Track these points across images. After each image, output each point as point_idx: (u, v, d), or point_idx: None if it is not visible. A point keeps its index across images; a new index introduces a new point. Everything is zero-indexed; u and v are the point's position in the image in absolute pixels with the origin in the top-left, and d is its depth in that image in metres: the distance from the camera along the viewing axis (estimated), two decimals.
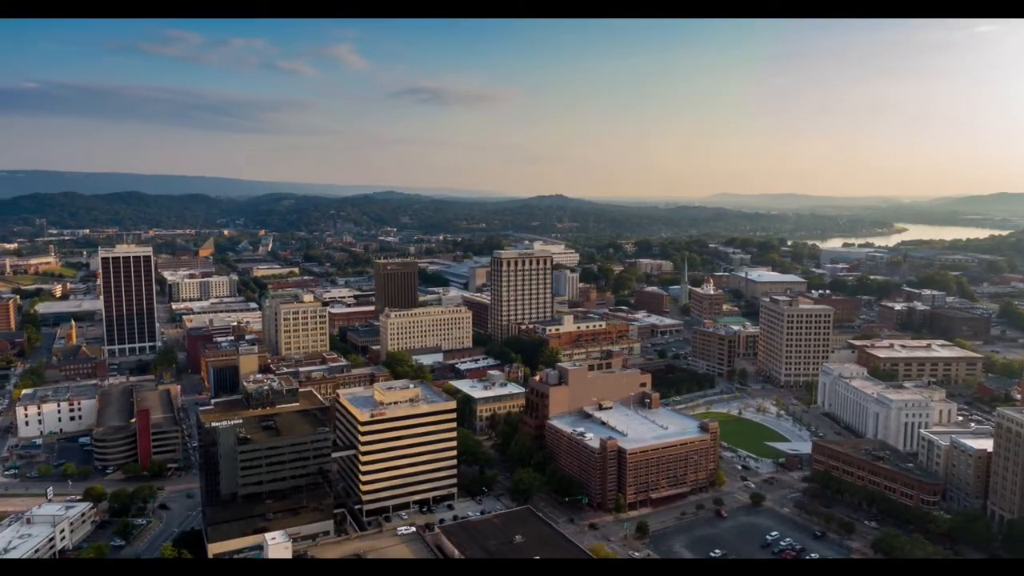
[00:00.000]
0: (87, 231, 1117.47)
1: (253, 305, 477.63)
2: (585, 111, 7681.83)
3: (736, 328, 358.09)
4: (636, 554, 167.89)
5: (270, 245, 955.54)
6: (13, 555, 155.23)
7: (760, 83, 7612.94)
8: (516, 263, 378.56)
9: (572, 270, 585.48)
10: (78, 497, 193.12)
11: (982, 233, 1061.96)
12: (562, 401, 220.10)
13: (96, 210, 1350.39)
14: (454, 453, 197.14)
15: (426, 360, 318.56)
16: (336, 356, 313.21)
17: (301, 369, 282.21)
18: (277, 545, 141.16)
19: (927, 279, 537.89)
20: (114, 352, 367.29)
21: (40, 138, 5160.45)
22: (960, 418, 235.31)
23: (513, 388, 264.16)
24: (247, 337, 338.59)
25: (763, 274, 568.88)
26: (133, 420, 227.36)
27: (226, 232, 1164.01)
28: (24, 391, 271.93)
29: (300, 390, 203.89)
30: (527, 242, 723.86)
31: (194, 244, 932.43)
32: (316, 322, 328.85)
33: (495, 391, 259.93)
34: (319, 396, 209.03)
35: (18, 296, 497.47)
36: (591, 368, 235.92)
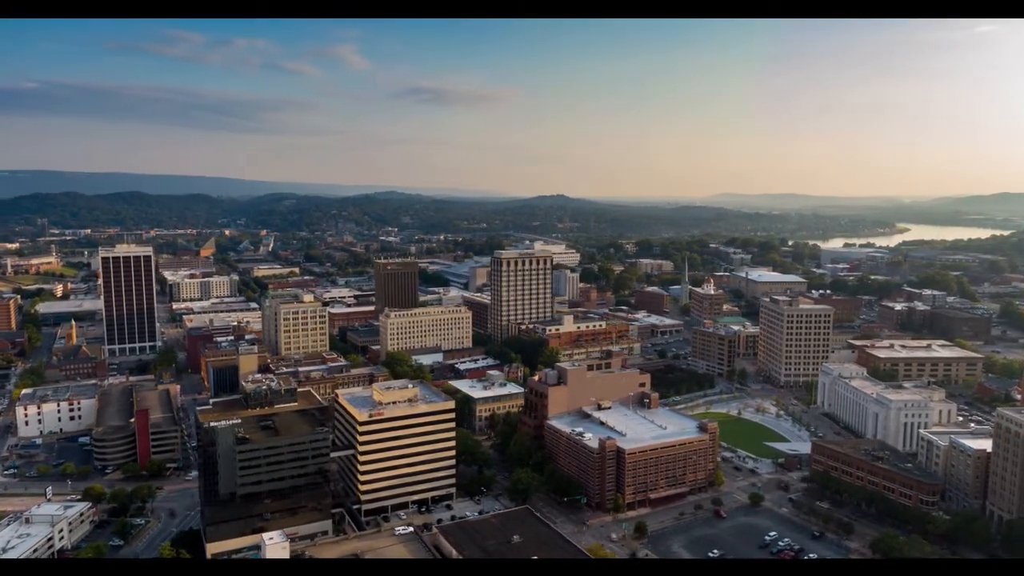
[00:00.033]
0: (88, 231, 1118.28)
1: (254, 305, 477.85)
2: (585, 111, 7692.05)
3: (736, 328, 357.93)
4: (635, 555, 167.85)
5: (271, 245, 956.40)
6: (11, 555, 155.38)
7: (760, 83, 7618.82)
8: (516, 263, 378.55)
9: (572, 270, 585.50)
10: (77, 497, 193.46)
11: (983, 233, 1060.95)
12: (561, 401, 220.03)
13: (97, 210, 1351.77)
14: (453, 453, 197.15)
15: (426, 360, 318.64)
16: (336, 356, 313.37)
17: (300, 369, 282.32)
18: (275, 545, 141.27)
19: (928, 279, 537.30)
20: (114, 352, 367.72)
21: (42, 138, 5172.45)
22: (960, 418, 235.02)
23: (512, 388, 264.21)
24: (247, 337, 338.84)
25: (763, 274, 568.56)
26: (132, 420, 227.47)
27: (227, 232, 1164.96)
28: (24, 391, 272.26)
29: (299, 390, 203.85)
30: (528, 242, 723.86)
31: (195, 244, 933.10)
32: (316, 322, 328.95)
33: (494, 391, 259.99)
34: (317, 396, 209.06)
35: (19, 296, 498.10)
36: (590, 368, 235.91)
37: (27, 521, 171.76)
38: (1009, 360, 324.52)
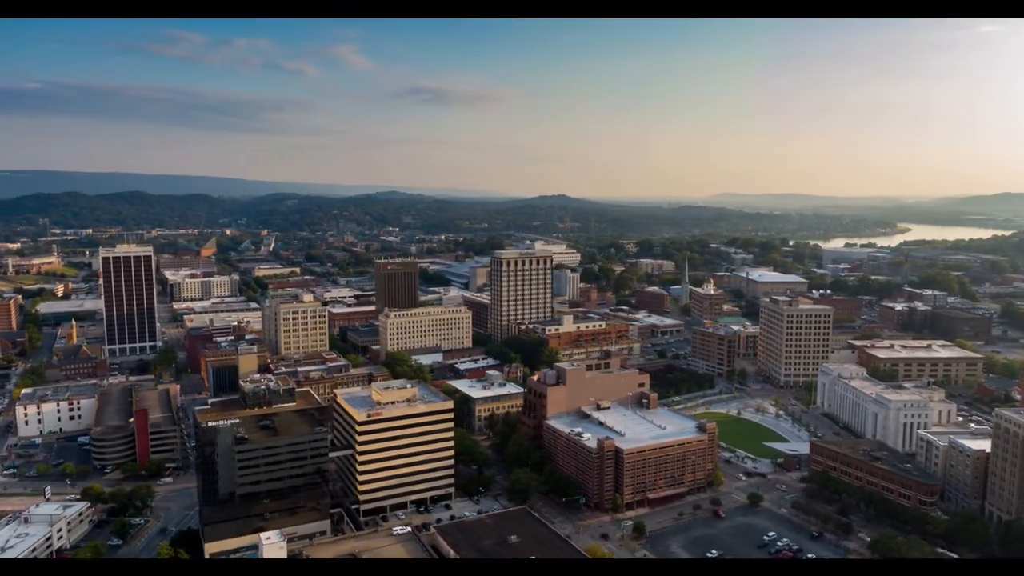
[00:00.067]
0: (90, 231, 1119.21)
1: (254, 305, 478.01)
2: (585, 111, 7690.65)
3: (736, 328, 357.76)
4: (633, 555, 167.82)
5: (272, 245, 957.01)
6: (10, 554, 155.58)
7: (760, 83, 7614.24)
8: (516, 263, 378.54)
9: (573, 270, 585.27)
10: (76, 497, 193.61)
11: (985, 233, 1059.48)
12: (560, 401, 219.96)
13: (99, 210, 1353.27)
14: (451, 453, 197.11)
15: (426, 360, 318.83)
16: (335, 356, 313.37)
17: (300, 369, 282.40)
18: (272, 545, 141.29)
19: (929, 279, 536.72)
20: (115, 352, 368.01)
21: (43, 138, 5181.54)
22: (960, 419, 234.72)
23: (512, 388, 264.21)
24: (247, 337, 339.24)
25: (764, 274, 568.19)
26: (132, 420, 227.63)
27: (228, 232, 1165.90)
28: (24, 390, 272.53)
29: (297, 390, 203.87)
30: (528, 242, 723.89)
31: (196, 244, 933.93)
32: (316, 322, 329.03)
33: (494, 391, 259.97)
34: (316, 396, 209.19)
35: (20, 296, 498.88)
36: (589, 368, 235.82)
37: (26, 521, 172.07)
38: (1010, 360, 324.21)
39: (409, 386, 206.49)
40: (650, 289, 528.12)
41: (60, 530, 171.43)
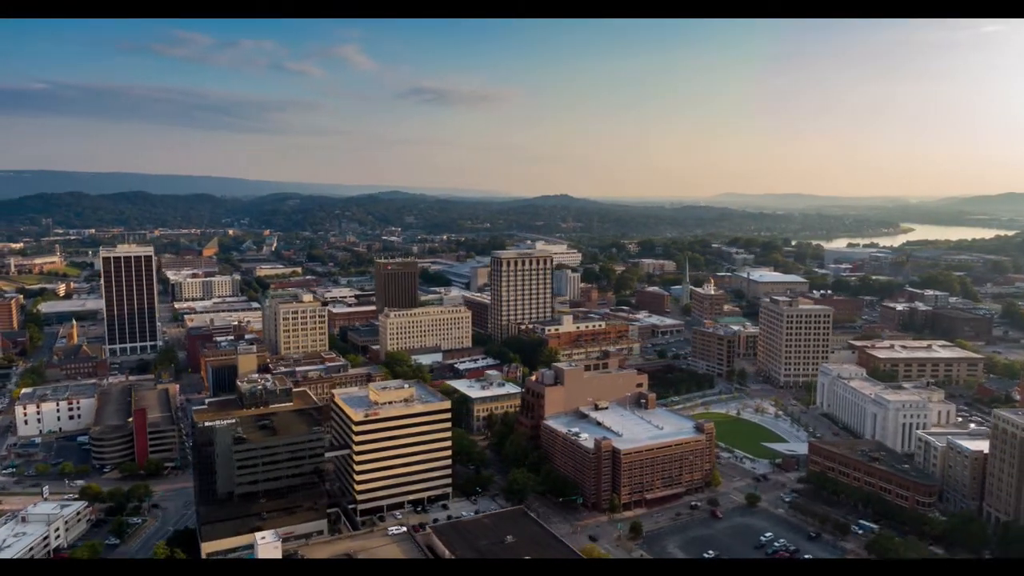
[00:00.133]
0: (92, 231, 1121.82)
1: (255, 305, 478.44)
2: (586, 111, 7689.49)
3: (736, 328, 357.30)
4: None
5: (274, 245, 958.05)
6: (7, 554, 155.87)
7: (761, 83, 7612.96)
8: (516, 263, 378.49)
9: (574, 270, 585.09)
10: (75, 496, 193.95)
11: (988, 233, 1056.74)
12: (558, 401, 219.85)
13: (102, 210, 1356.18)
14: (449, 453, 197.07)
15: (425, 360, 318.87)
16: (335, 356, 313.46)
17: (298, 369, 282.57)
18: (267, 544, 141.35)
19: (930, 279, 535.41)
20: (115, 351, 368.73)
21: (47, 138, 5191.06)
22: (960, 419, 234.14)
23: (511, 388, 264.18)
24: (247, 337, 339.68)
25: (765, 274, 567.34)
26: (130, 419, 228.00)
27: (231, 232, 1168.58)
28: (24, 390, 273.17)
29: (295, 390, 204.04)
30: (529, 242, 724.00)
31: (198, 244, 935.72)
32: (315, 322, 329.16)
33: (492, 391, 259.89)
34: (312, 396, 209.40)
35: (22, 295, 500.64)
36: (587, 368, 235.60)
37: (23, 520, 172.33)
38: (1010, 361, 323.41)
39: (407, 386, 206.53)
40: (651, 289, 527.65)
41: (57, 529, 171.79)
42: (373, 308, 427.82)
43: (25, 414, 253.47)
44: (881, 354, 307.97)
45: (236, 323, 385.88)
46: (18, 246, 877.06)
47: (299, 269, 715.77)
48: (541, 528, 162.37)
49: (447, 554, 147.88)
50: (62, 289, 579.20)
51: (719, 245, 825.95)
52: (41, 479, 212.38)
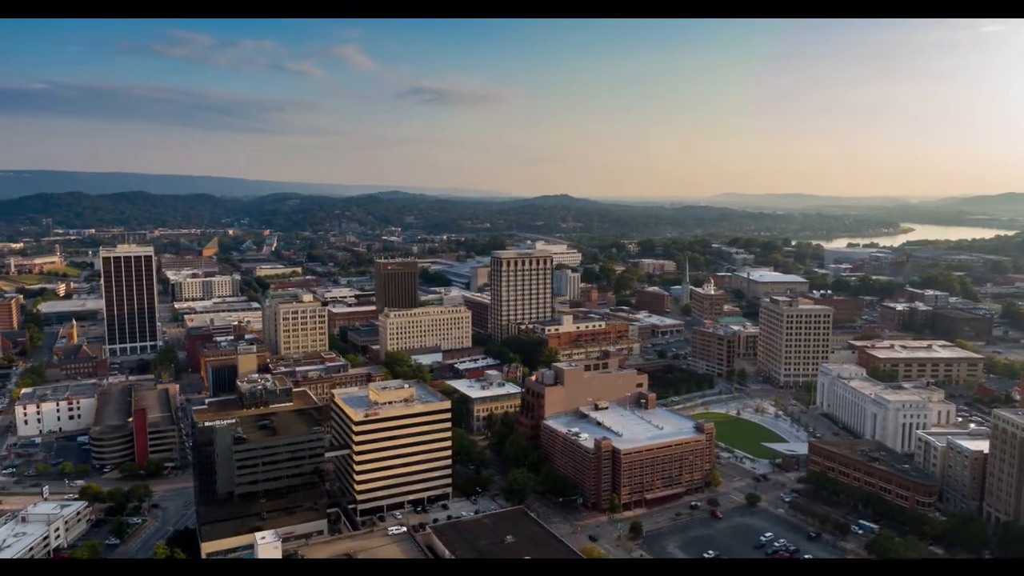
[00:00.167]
0: (93, 231, 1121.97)
1: (255, 305, 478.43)
2: (586, 111, 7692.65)
3: (736, 328, 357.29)
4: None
5: (274, 245, 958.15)
6: (7, 554, 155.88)
7: (761, 83, 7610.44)
8: (516, 263, 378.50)
9: (574, 270, 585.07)
10: (75, 496, 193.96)
11: (988, 233, 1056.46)
12: (558, 401, 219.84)
13: (102, 210, 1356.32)
14: (449, 453, 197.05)
15: (425, 360, 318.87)
16: (335, 356, 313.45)
17: (298, 369, 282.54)
18: (266, 544, 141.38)
19: (930, 279, 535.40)
20: (115, 351, 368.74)
21: (47, 138, 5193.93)
22: (960, 419, 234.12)
23: (511, 388, 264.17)
24: (247, 337, 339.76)
25: (765, 274, 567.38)
26: (130, 419, 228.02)
27: (231, 232, 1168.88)
28: (24, 390, 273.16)
29: (294, 390, 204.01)
30: (529, 242, 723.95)
31: (199, 244, 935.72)
32: (315, 322, 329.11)
33: (492, 391, 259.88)
34: (312, 396, 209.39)
35: (22, 295, 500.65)
36: (587, 368, 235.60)
37: (23, 520, 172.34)
38: (1010, 361, 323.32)
39: (407, 386, 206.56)
40: (651, 289, 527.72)
41: (57, 529, 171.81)
42: (373, 308, 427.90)
43: (25, 414, 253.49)
44: (881, 354, 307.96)
45: (236, 323, 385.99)
46: (18, 246, 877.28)
47: (299, 269, 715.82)
48: (541, 528, 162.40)
49: (447, 554, 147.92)
50: (62, 289, 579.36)
51: (719, 245, 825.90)
52: (41, 479, 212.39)
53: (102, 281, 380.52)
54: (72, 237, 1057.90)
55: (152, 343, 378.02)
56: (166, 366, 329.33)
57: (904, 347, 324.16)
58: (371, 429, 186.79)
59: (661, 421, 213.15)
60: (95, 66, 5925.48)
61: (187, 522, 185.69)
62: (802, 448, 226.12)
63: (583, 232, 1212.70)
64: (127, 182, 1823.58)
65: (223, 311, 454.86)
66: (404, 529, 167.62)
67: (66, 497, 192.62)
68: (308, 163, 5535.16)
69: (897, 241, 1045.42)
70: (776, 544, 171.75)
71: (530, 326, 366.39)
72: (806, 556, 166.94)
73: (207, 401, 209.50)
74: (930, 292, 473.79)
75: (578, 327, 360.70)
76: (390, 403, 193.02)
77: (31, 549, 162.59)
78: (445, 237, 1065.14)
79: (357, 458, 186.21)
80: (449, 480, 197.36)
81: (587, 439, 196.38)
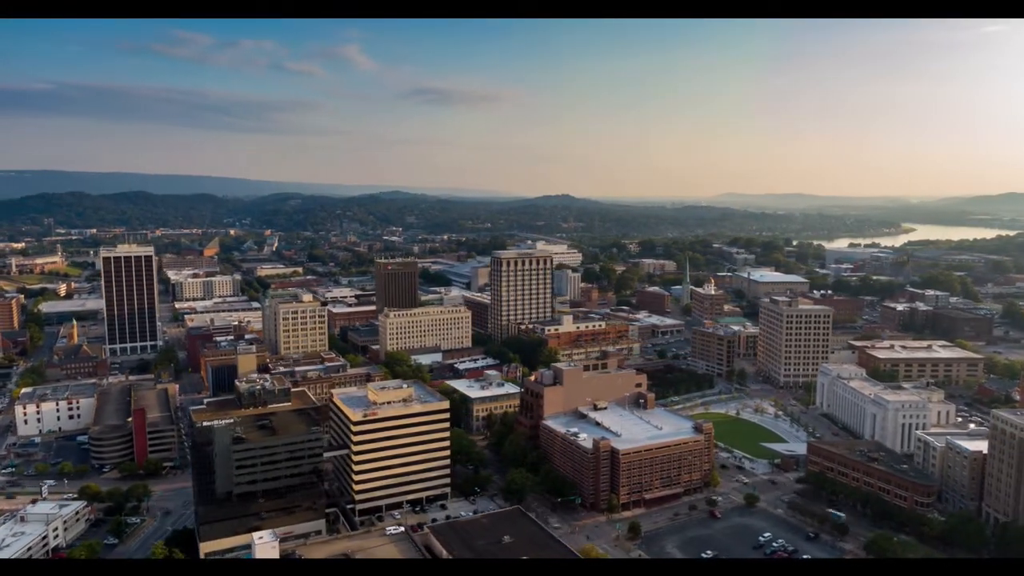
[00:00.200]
0: (94, 231, 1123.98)
1: (256, 305, 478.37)
2: (587, 111, 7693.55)
3: (736, 328, 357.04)
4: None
5: (275, 245, 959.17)
6: (5, 553, 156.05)
7: (761, 83, 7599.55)
8: (516, 263, 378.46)
9: (574, 270, 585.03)
10: (74, 496, 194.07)
11: (990, 233, 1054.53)
12: (557, 401, 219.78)
13: (103, 210, 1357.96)
14: (447, 453, 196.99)
15: (425, 360, 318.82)
16: (334, 356, 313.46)
17: (297, 369, 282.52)
18: (264, 544, 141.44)
19: (931, 279, 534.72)
20: (115, 351, 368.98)
21: (49, 138, 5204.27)
22: (960, 419, 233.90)
23: (510, 388, 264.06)
24: (247, 336, 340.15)
25: (765, 274, 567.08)
26: (130, 419, 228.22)
27: (232, 232, 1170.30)
28: (24, 390, 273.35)
29: (293, 390, 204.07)
30: (530, 242, 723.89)
31: (200, 244, 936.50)
32: (315, 322, 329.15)
33: (492, 391, 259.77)
34: (311, 396, 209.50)
35: (23, 295, 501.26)
36: (586, 368, 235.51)
37: (22, 520, 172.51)
38: (1011, 361, 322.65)
39: (405, 386, 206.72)
40: (651, 289, 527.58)
41: (56, 529, 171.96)
42: (373, 308, 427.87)
43: (25, 414, 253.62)
44: (881, 354, 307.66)
45: (236, 323, 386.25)
46: (20, 246, 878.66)
47: (300, 269, 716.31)
48: (538, 528, 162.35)
49: (444, 554, 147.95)
50: (63, 289, 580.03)
51: (720, 245, 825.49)
52: (40, 479, 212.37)
53: (102, 281, 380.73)
54: (74, 237, 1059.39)
55: (152, 343, 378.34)
56: (166, 366, 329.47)
57: (904, 347, 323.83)
58: (369, 429, 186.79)
59: (660, 421, 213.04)
60: (96, 66, 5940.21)
61: (186, 522, 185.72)
62: (801, 448, 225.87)
63: (584, 232, 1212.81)
64: (129, 182, 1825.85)
65: (223, 311, 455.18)
66: (402, 529, 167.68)
67: (65, 497, 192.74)
68: (309, 163, 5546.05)
69: (899, 241, 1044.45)
70: (775, 544, 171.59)
71: (530, 326, 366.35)
72: (804, 556, 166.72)
73: (206, 401, 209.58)
74: (931, 292, 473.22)
75: (578, 327, 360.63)
76: (388, 403, 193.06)
77: (30, 549, 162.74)
78: (446, 237, 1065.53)
79: (355, 458, 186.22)
80: (448, 480, 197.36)
81: (586, 439, 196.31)
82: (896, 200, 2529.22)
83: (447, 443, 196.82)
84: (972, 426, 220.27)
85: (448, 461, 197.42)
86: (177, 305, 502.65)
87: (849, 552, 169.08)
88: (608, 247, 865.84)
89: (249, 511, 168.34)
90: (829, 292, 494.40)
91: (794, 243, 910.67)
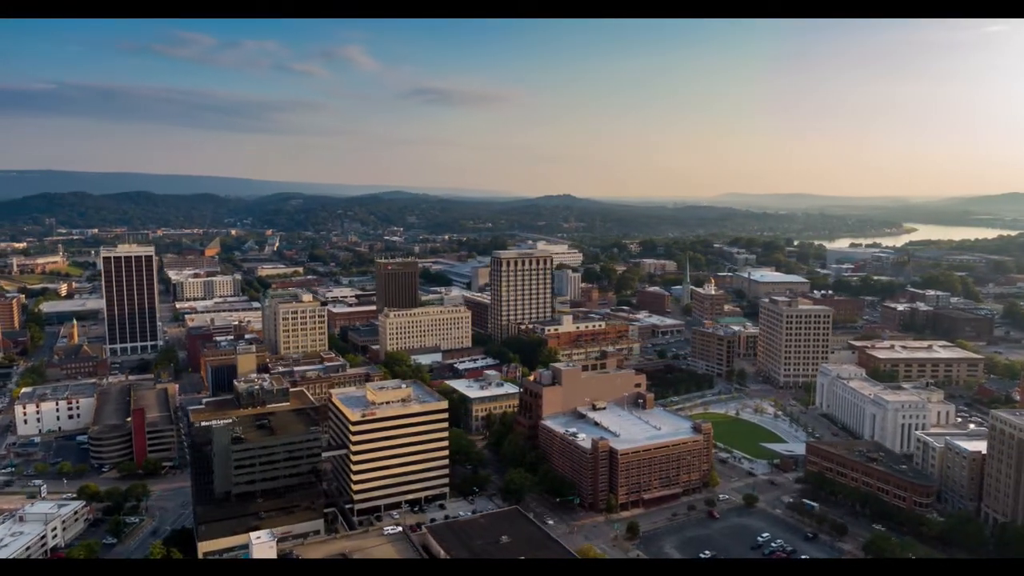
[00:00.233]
0: (95, 230, 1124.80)
1: (256, 304, 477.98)
2: (588, 111, 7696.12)
3: (736, 328, 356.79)
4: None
5: (276, 245, 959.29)
6: (4, 553, 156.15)
7: (763, 83, 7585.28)
8: (516, 263, 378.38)
9: (575, 270, 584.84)
10: (73, 495, 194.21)
11: (991, 233, 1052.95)
12: (556, 401, 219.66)
13: (105, 210, 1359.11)
14: (446, 453, 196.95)
15: (425, 360, 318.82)
16: (334, 356, 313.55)
17: (297, 369, 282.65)
18: (261, 544, 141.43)
19: (932, 279, 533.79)
20: (116, 351, 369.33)
21: (51, 138, 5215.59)
22: (960, 420, 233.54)
23: (509, 388, 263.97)
24: (247, 336, 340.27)
25: (766, 274, 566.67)
26: (129, 419, 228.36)
27: (233, 232, 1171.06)
28: (23, 389, 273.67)
29: (291, 389, 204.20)
30: (531, 242, 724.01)
31: (201, 243, 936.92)
32: (315, 322, 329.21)
33: (491, 391, 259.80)
34: (309, 396, 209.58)
35: (24, 295, 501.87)
36: (585, 368, 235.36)
37: (21, 519, 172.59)
38: (1011, 361, 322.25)
39: (404, 386, 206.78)
40: (651, 289, 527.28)
41: (55, 529, 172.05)
42: (374, 308, 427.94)
43: (24, 413, 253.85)
44: (881, 354, 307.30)
45: (236, 323, 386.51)
46: (21, 246, 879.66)
47: (301, 269, 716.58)
48: (537, 528, 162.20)
49: (442, 554, 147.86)
50: (64, 289, 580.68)
51: (721, 245, 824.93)
52: (40, 478, 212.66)
53: (103, 281, 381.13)
54: (75, 237, 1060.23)
55: (153, 343, 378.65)
56: (166, 366, 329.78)
57: (904, 347, 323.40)
58: (368, 429, 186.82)
59: (659, 421, 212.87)
60: (98, 66, 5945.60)
61: (184, 522, 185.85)
62: (800, 448, 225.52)
63: (585, 232, 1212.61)
64: (130, 182, 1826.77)
65: (224, 311, 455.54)
66: (399, 529, 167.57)
67: (64, 496, 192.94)
68: (311, 163, 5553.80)
69: (900, 241, 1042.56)
70: (773, 544, 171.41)
71: (530, 326, 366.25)
72: (803, 556, 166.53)
73: (205, 401, 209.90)
74: (931, 292, 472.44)
75: (578, 327, 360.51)
76: (387, 403, 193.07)
77: (28, 548, 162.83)
78: (447, 237, 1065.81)
79: (354, 458, 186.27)
80: (446, 480, 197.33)
81: (584, 439, 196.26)
82: (898, 200, 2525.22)
83: (446, 443, 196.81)
84: (972, 426, 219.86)
85: (447, 461, 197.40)
86: (178, 305, 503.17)
87: (848, 552, 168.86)
88: (609, 247, 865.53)
89: (247, 511, 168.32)
90: (830, 292, 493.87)
91: (795, 243, 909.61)
